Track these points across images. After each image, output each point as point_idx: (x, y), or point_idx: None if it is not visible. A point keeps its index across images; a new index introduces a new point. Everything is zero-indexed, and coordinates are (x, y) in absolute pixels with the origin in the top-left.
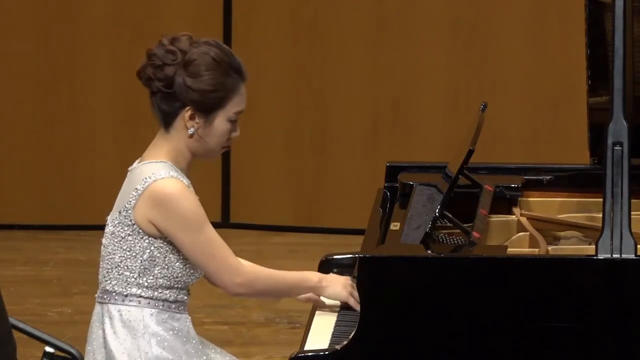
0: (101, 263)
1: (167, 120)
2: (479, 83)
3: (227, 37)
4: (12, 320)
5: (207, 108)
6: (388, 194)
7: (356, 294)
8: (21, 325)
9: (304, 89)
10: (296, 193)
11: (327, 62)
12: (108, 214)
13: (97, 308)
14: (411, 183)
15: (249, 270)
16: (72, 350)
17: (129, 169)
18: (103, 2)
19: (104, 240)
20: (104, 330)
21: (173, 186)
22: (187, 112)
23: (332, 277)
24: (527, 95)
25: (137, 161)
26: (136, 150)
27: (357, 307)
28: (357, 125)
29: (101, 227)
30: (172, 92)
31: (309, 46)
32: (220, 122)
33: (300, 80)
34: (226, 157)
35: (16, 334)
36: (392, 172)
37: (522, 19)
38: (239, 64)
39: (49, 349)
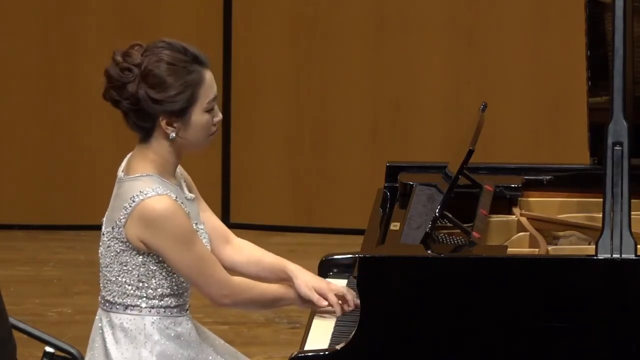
0: (100, 270)
1: (144, 133)
2: (479, 83)
3: (227, 37)
4: (12, 320)
5: (179, 111)
6: (388, 194)
7: (314, 292)
8: (21, 325)
9: (304, 89)
10: (296, 193)
11: (327, 62)
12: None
13: (100, 313)
14: (411, 183)
15: (236, 283)
16: (72, 350)
17: (118, 175)
18: (103, 2)
19: (101, 249)
20: (104, 339)
21: (161, 205)
22: (162, 121)
23: (295, 283)
24: (527, 95)
25: (122, 168)
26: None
27: (322, 304)
28: (357, 125)
29: (101, 227)
30: (140, 108)
31: (309, 46)
32: (198, 116)
33: (300, 80)
34: (226, 157)
35: (16, 334)
36: (392, 172)
37: (522, 19)
38: (195, 55)
39: (49, 349)
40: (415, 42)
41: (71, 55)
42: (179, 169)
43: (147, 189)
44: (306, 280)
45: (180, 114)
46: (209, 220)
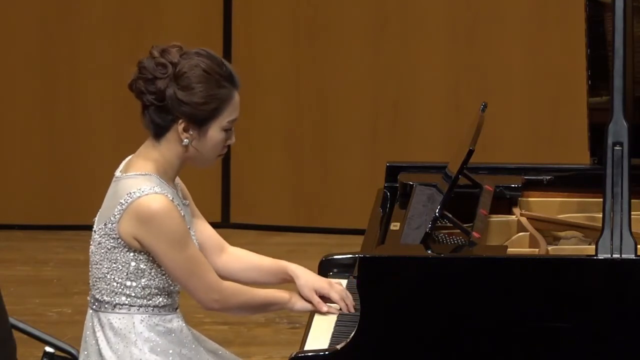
0: (90, 268)
1: (158, 132)
2: (479, 83)
3: (227, 38)
4: (12, 320)
5: (200, 120)
6: (388, 194)
7: (314, 295)
8: (21, 325)
9: (304, 89)
10: (296, 193)
11: (327, 62)
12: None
13: (90, 313)
14: (411, 183)
15: (226, 287)
16: (72, 350)
17: (115, 174)
18: (103, 2)
19: (91, 247)
20: (97, 339)
21: (157, 204)
22: (180, 125)
23: (297, 283)
24: (527, 95)
25: (121, 167)
26: (136, 150)
27: (322, 308)
28: (357, 125)
29: None
30: (164, 105)
31: (309, 46)
32: (215, 132)
33: (300, 80)
34: (226, 157)
35: (16, 334)
36: (392, 172)
37: (522, 19)
38: (230, 73)
39: (49, 349)
40: (416, 42)
41: (72, 55)
42: (176, 179)
43: (145, 186)
44: (308, 280)
45: (200, 124)
46: (204, 230)
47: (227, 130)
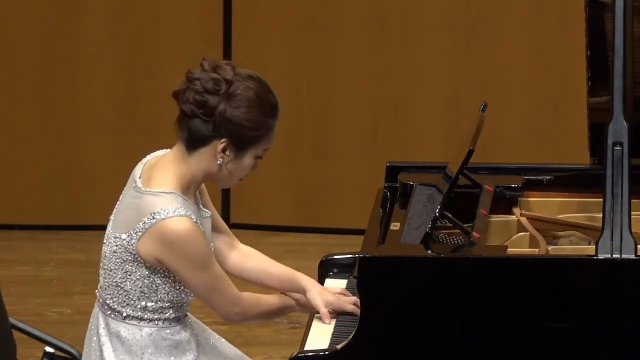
0: (101, 267)
1: (194, 144)
2: (479, 83)
3: (227, 37)
4: (12, 320)
5: (242, 143)
6: (388, 194)
7: (323, 307)
8: (21, 325)
9: (304, 89)
10: (296, 193)
11: (327, 62)
12: (109, 214)
13: (98, 313)
14: (411, 183)
15: (246, 298)
16: (72, 350)
17: (136, 182)
18: (103, 2)
19: (105, 249)
20: (100, 341)
21: (182, 227)
22: (221, 144)
23: (309, 294)
24: (527, 95)
25: (139, 173)
26: (136, 151)
27: (325, 320)
28: (357, 125)
29: (101, 227)
30: (210, 121)
31: (309, 46)
32: (249, 158)
33: (300, 80)
34: None
35: (16, 334)
36: (392, 172)
37: (522, 19)
38: (277, 103)
39: (49, 349)
40: (416, 42)
41: (72, 55)
42: None
43: (169, 207)
44: (319, 292)
45: (240, 147)
46: (215, 223)
47: (258, 158)
